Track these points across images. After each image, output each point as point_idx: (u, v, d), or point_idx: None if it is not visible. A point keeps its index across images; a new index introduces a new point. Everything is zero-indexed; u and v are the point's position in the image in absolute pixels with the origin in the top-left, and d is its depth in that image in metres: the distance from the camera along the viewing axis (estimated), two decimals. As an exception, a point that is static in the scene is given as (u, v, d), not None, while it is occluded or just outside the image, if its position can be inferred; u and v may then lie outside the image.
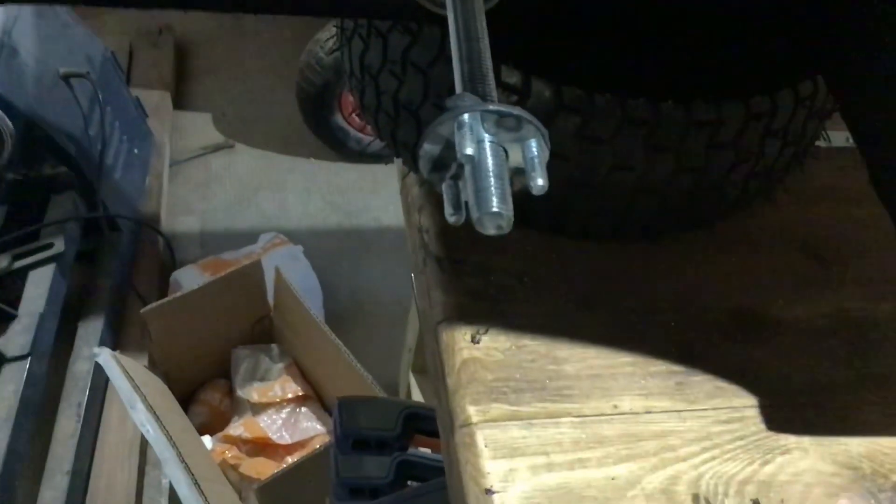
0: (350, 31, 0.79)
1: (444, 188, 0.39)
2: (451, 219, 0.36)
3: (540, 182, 0.36)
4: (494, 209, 0.36)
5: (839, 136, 0.89)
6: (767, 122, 0.72)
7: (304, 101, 2.52)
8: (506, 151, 0.39)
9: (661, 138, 0.70)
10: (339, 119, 2.56)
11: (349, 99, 2.47)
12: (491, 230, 0.37)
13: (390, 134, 0.79)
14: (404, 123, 0.77)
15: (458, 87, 0.48)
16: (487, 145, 0.38)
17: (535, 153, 0.37)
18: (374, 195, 2.66)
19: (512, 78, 0.69)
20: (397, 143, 0.80)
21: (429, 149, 0.38)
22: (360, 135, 2.64)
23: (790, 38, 0.71)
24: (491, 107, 0.37)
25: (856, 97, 0.68)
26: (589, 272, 0.79)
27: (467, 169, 0.38)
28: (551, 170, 0.66)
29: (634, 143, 0.71)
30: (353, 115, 2.54)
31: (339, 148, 2.68)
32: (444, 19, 0.57)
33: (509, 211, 0.37)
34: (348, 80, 0.84)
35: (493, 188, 0.37)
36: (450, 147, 0.40)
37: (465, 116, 0.38)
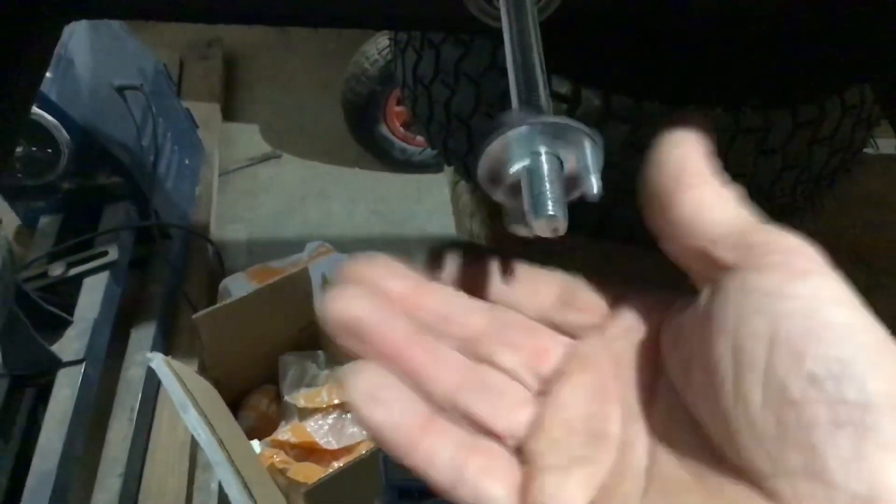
0: (403, 43, 0.81)
1: (505, 200, 0.41)
2: (515, 229, 0.38)
3: (594, 190, 0.38)
4: (550, 212, 0.38)
5: (888, 144, 0.89)
6: (815, 130, 0.73)
7: (350, 112, 2.55)
8: (560, 161, 0.40)
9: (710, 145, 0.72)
10: (383, 129, 2.59)
11: (394, 109, 2.50)
12: (547, 232, 0.39)
13: (442, 143, 0.81)
14: (456, 132, 0.79)
15: (514, 97, 0.49)
16: (543, 156, 0.39)
17: (589, 161, 0.39)
18: (418, 204, 2.68)
19: (562, 88, 0.70)
20: (449, 151, 0.81)
21: (486, 162, 0.40)
22: (405, 144, 2.67)
23: (837, 47, 0.71)
24: (547, 119, 0.39)
25: (904, 105, 0.69)
26: (636, 276, 0.80)
27: (524, 179, 0.39)
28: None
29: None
30: (398, 125, 2.58)
31: (384, 157, 2.71)
32: (495, 31, 0.59)
33: (564, 213, 0.38)
34: (401, 91, 0.86)
35: (548, 192, 0.39)
36: (506, 159, 0.41)
37: (521, 129, 0.39)
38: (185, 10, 0.64)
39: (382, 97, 2.46)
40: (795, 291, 0.29)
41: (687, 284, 0.36)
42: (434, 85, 0.78)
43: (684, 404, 0.33)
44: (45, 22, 0.60)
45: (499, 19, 0.59)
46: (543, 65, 0.52)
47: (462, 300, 0.40)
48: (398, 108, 2.51)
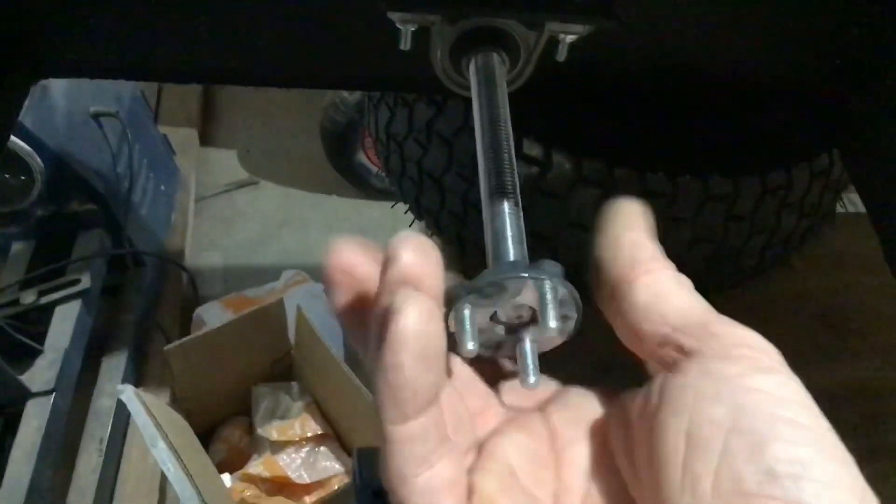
0: (376, 99, 0.81)
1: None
2: (465, 352, 0.37)
3: (552, 324, 0.38)
4: (469, 347, 0.38)
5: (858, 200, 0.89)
6: (783, 196, 0.73)
7: (328, 139, 2.55)
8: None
9: (679, 211, 0.72)
10: (362, 157, 2.59)
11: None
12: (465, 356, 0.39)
13: (414, 198, 0.81)
14: (428, 190, 0.78)
15: (482, 178, 0.50)
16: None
17: (549, 297, 0.38)
18: (395, 232, 2.66)
19: (533, 150, 0.70)
20: (420, 207, 0.81)
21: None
22: (383, 173, 2.66)
23: (805, 115, 0.72)
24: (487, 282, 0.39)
25: (869, 172, 0.69)
26: (605, 338, 0.80)
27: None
28: (570, 239, 0.67)
29: (652, 215, 0.72)
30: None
31: (362, 185, 2.71)
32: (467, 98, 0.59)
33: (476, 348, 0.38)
34: (374, 144, 0.86)
35: (468, 330, 0.39)
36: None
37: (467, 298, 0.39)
38: (145, 70, 0.64)
39: (361, 126, 2.46)
40: (758, 385, 0.29)
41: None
42: (407, 142, 0.78)
43: (626, 487, 0.33)
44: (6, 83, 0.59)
45: (469, 89, 0.59)
46: (512, 142, 0.52)
47: None
48: (376, 137, 2.50)
